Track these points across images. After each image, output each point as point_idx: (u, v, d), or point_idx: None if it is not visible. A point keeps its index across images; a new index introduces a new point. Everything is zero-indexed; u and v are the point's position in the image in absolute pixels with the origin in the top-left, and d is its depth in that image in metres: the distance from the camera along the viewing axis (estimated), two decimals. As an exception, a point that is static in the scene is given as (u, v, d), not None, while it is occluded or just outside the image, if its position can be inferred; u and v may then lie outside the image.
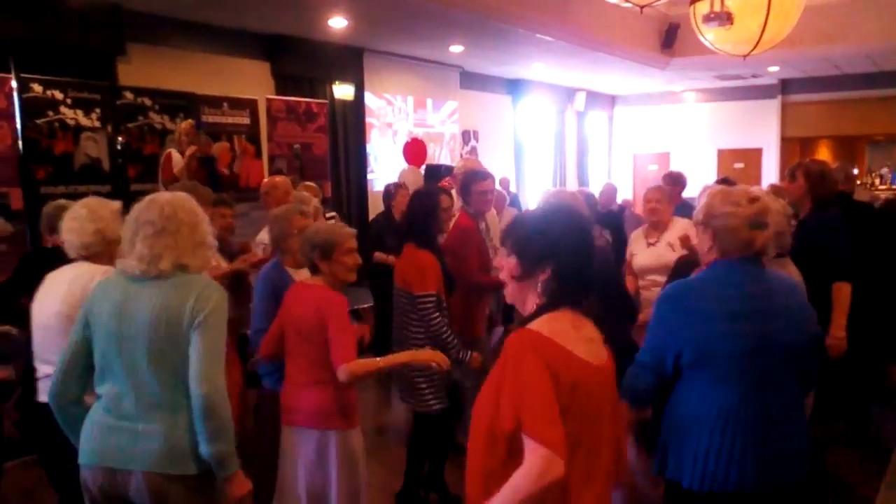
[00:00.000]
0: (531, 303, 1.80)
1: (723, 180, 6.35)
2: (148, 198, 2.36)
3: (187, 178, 5.88)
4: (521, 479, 1.56)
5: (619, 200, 8.73)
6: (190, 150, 5.97)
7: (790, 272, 2.96)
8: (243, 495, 2.26)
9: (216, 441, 2.19)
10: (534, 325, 1.73)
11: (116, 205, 2.96)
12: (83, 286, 2.65)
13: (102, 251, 2.82)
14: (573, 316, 1.77)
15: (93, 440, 2.27)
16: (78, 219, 2.83)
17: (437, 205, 3.88)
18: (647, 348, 2.34)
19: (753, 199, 2.30)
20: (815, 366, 2.44)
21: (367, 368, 2.90)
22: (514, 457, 1.60)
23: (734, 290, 2.27)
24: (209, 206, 3.62)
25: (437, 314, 3.64)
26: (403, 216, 4.02)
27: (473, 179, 4.42)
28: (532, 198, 11.72)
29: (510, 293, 1.85)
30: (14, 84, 5.89)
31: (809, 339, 2.37)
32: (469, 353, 3.74)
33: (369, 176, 10.04)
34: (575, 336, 1.73)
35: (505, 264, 1.83)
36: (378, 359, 3.06)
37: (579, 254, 1.77)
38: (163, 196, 2.38)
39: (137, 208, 2.34)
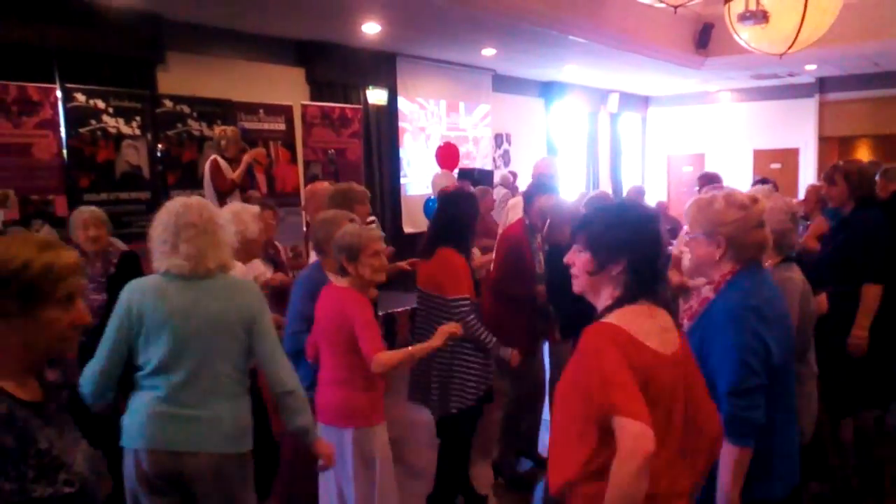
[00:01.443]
0: (606, 295, 1.84)
1: (761, 181, 6.30)
2: (179, 202, 2.54)
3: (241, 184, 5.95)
4: (622, 464, 1.57)
5: (648, 202, 8.62)
6: (247, 157, 6.04)
7: (795, 277, 2.83)
8: (330, 452, 2.71)
9: (303, 416, 2.60)
10: (610, 318, 1.77)
11: (254, 209, 3.53)
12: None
13: (240, 249, 3.20)
14: (648, 307, 1.79)
15: (151, 427, 2.43)
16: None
17: (478, 211, 3.87)
18: (748, 370, 2.09)
19: (754, 200, 2.30)
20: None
21: (399, 357, 2.97)
22: (605, 444, 1.64)
23: (773, 292, 2.31)
24: (366, 204, 3.96)
25: (473, 316, 3.65)
26: (437, 219, 3.91)
27: (539, 192, 4.32)
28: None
29: (581, 285, 1.88)
30: (59, 94, 6.05)
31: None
32: (509, 350, 3.74)
33: (402, 180, 10.11)
34: (649, 327, 1.76)
35: (577, 260, 1.87)
36: (408, 347, 3.13)
37: (652, 247, 1.82)
38: (194, 201, 2.58)
39: (172, 212, 2.50)
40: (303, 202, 5.01)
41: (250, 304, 2.54)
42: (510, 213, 4.60)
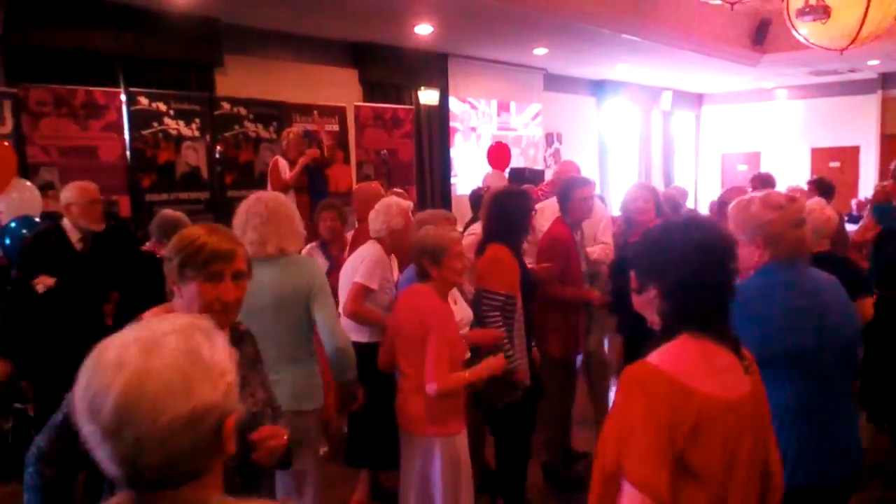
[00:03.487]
0: (653, 320, 1.69)
1: (818, 181, 6.16)
2: (254, 196, 2.99)
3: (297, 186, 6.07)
4: None
5: (690, 204, 8.37)
6: (303, 160, 6.14)
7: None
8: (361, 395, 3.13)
9: (350, 371, 3.02)
10: (653, 358, 1.61)
11: (405, 204, 3.88)
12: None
13: (385, 237, 3.73)
14: (702, 343, 1.61)
15: None
16: (375, 211, 3.80)
17: (531, 208, 3.81)
18: None
19: (792, 200, 2.28)
20: (857, 360, 2.45)
21: (455, 385, 2.94)
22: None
23: (790, 290, 2.26)
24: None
25: (498, 314, 3.49)
26: (490, 215, 3.82)
27: (574, 185, 4.26)
28: (616, 201, 11.58)
29: (635, 302, 1.76)
30: (123, 98, 6.26)
31: (857, 334, 2.40)
32: (518, 364, 3.54)
33: (453, 180, 10.16)
34: (704, 369, 1.58)
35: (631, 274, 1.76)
36: (465, 372, 3.03)
37: (693, 274, 1.62)
38: (266, 194, 3.05)
39: (246, 204, 2.94)
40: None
41: (308, 279, 2.89)
42: (538, 216, 4.53)
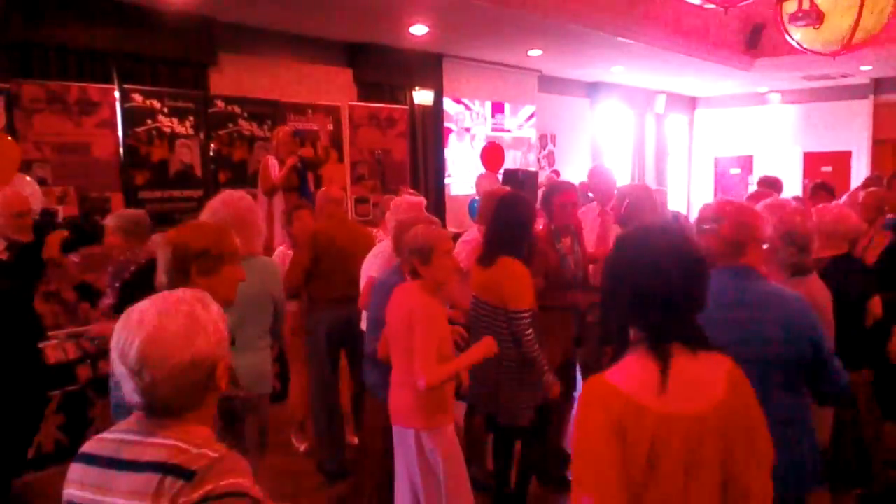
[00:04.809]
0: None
1: (820, 185, 6.17)
2: (219, 198, 3.15)
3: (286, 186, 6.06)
4: None
5: (672, 207, 8.41)
6: (290, 161, 6.12)
7: (812, 289, 2.79)
8: None
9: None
10: (610, 373, 1.58)
11: (418, 199, 4.13)
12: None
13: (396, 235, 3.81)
14: (659, 356, 1.55)
15: None
16: (390, 209, 4.03)
17: (535, 215, 3.77)
18: None
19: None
20: (825, 385, 2.40)
21: (444, 376, 2.94)
22: None
23: (728, 288, 2.30)
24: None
25: (532, 331, 3.49)
26: (495, 224, 3.73)
27: (553, 191, 4.25)
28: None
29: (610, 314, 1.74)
30: (117, 95, 6.24)
31: (800, 355, 2.33)
32: (551, 379, 3.54)
33: (447, 181, 10.16)
34: (658, 383, 1.53)
35: None
36: (455, 362, 3.04)
37: (640, 285, 1.58)
38: (227, 195, 3.17)
39: (212, 206, 3.09)
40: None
41: (276, 282, 3.23)
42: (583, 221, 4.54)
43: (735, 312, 2.27)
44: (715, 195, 14.61)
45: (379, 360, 3.31)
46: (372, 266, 3.97)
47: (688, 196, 15.41)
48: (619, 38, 8.67)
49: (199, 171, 6.86)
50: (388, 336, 3.11)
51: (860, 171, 13.23)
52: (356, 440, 4.66)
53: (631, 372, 1.56)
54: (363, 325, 4.12)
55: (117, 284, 3.58)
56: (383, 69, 8.91)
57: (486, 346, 3.07)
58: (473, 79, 10.36)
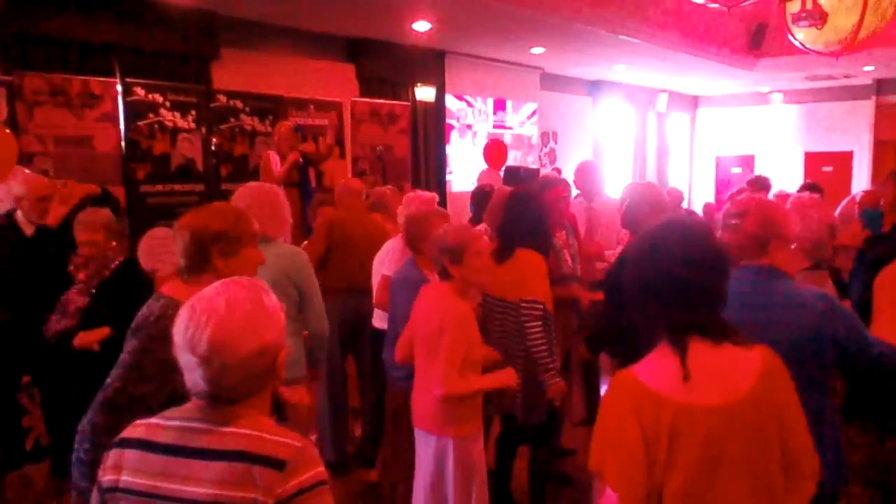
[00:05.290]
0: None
1: (810, 186, 6.17)
2: (246, 185, 3.31)
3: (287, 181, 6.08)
4: None
5: (686, 205, 8.48)
6: (292, 157, 6.14)
7: (825, 287, 2.81)
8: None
9: (322, 351, 3.46)
10: (636, 366, 1.61)
11: (430, 195, 4.41)
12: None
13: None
14: (680, 350, 1.57)
15: None
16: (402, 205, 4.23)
17: (547, 209, 3.75)
18: None
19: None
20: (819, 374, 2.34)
21: (464, 392, 2.83)
22: None
23: (746, 287, 2.27)
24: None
25: (539, 324, 3.38)
26: (509, 219, 3.65)
27: (546, 186, 4.27)
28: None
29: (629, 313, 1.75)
30: (119, 88, 6.24)
31: (824, 355, 2.28)
32: (554, 378, 3.42)
33: (448, 177, 10.16)
34: (680, 375, 1.55)
35: None
36: (476, 381, 2.93)
37: (649, 277, 1.62)
38: (253, 184, 3.34)
39: (239, 192, 3.23)
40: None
41: (301, 266, 3.27)
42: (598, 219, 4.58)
43: (758, 313, 2.21)
44: (716, 195, 14.62)
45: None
46: (384, 263, 3.96)
47: (689, 195, 15.40)
48: (621, 37, 8.66)
49: (200, 166, 6.86)
50: (415, 337, 2.99)
51: (861, 171, 13.24)
52: (359, 432, 4.69)
53: (655, 366, 1.59)
54: (374, 322, 4.15)
55: (95, 282, 3.55)
56: (386, 65, 8.90)
57: (506, 376, 2.98)
58: (475, 76, 10.35)
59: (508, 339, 3.51)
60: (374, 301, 4.05)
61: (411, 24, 7.89)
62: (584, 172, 5.17)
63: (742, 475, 1.54)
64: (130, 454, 1.42)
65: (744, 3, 6.14)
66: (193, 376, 1.39)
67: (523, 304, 3.39)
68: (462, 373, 2.81)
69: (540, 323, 3.38)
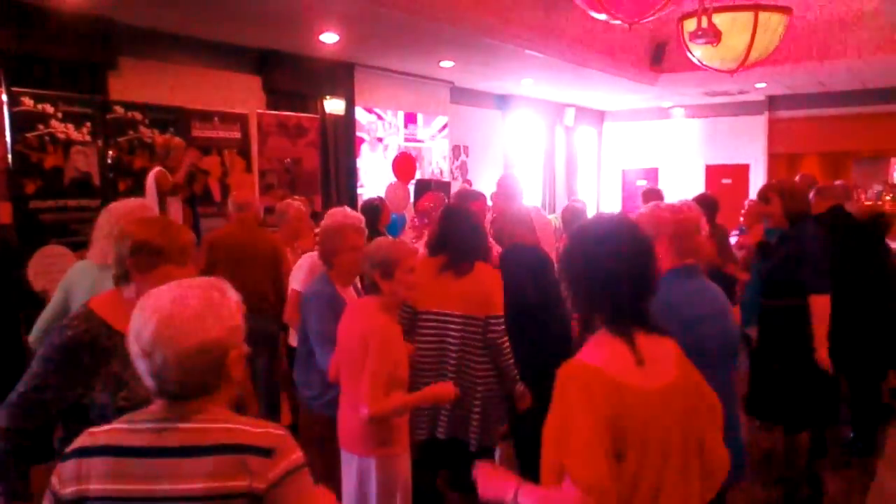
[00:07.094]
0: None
1: (700, 197, 6.32)
2: (106, 208, 3.07)
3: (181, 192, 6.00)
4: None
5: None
6: (188, 159, 6.08)
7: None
8: None
9: None
10: (581, 355, 1.64)
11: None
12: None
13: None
14: (621, 336, 1.63)
15: None
16: None
17: (481, 221, 3.76)
18: None
19: (689, 208, 2.52)
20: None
21: (389, 409, 2.73)
22: None
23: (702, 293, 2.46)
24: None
25: (507, 338, 3.38)
26: (461, 233, 3.53)
27: (466, 199, 4.32)
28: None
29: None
30: (4, 98, 5.88)
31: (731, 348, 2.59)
32: (525, 391, 3.43)
33: (359, 190, 10.07)
34: (624, 360, 1.60)
35: None
36: (407, 397, 2.83)
37: (593, 266, 1.66)
38: (121, 206, 3.04)
39: (104, 214, 3.03)
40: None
41: None
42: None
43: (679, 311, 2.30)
44: (622, 206, 15.03)
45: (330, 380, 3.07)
46: (296, 279, 3.87)
47: (597, 207, 15.78)
48: (529, 52, 8.80)
49: (96, 180, 6.53)
50: (340, 355, 2.90)
51: (758, 183, 13.85)
52: None
53: (596, 352, 1.62)
54: (290, 340, 4.03)
55: None
56: (293, 77, 8.74)
57: (442, 391, 2.88)
58: (386, 89, 10.31)
59: (470, 357, 3.41)
60: (285, 318, 3.94)
61: (318, 35, 7.78)
62: (502, 185, 5.21)
63: (678, 455, 1.61)
64: (97, 462, 1.41)
65: (644, 20, 6.33)
66: (142, 369, 1.43)
67: (492, 322, 3.34)
68: (387, 392, 2.72)
69: (507, 336, 3.38)
